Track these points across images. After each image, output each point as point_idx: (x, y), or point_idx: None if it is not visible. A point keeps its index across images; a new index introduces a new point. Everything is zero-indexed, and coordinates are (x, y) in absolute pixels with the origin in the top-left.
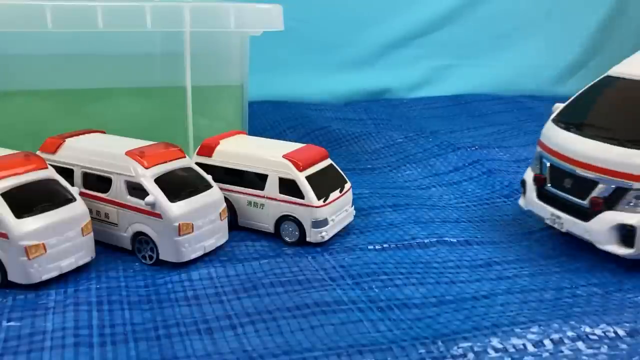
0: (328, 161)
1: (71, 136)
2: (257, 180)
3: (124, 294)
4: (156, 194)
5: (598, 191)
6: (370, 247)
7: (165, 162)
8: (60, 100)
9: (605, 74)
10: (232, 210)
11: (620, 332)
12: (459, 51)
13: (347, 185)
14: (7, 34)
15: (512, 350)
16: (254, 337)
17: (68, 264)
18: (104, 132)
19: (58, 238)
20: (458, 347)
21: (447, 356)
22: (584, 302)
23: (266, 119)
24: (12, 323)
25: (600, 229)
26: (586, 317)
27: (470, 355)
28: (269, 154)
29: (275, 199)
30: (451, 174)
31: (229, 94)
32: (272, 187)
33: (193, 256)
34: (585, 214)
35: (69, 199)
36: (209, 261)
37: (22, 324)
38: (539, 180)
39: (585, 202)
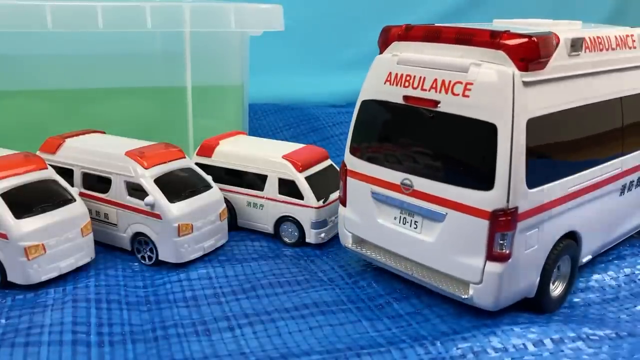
0: (328, 162)
1: (71, 136)
2: (256, 181)
3: (122, 294)
4: (156, 194)
5: None
6: None
7: (165, 162)
8: (60, 100)
9: None
10: (231, 211)
11: (621, 333)
12: None
13: None
14: (7, 34)
15: (512, 350)
16: (252, 339)
17: (67, 264)
18: (104, 133)
19: (57, 239)
20: (457, 348)
21: (445, 357)
22: (581, 311)
23: (266, 119)
24: (10, 321)
25: None
26: (586, 321)
27: (470, 355)
28: (268, 155)
29: (275, 200)
30: None
31: (229, 94)
32: (271, 187)
33: (192, 257)
34: None
35: (68, 200)
36: (208, 261)
37: (20, 320)
38: None
39: None
